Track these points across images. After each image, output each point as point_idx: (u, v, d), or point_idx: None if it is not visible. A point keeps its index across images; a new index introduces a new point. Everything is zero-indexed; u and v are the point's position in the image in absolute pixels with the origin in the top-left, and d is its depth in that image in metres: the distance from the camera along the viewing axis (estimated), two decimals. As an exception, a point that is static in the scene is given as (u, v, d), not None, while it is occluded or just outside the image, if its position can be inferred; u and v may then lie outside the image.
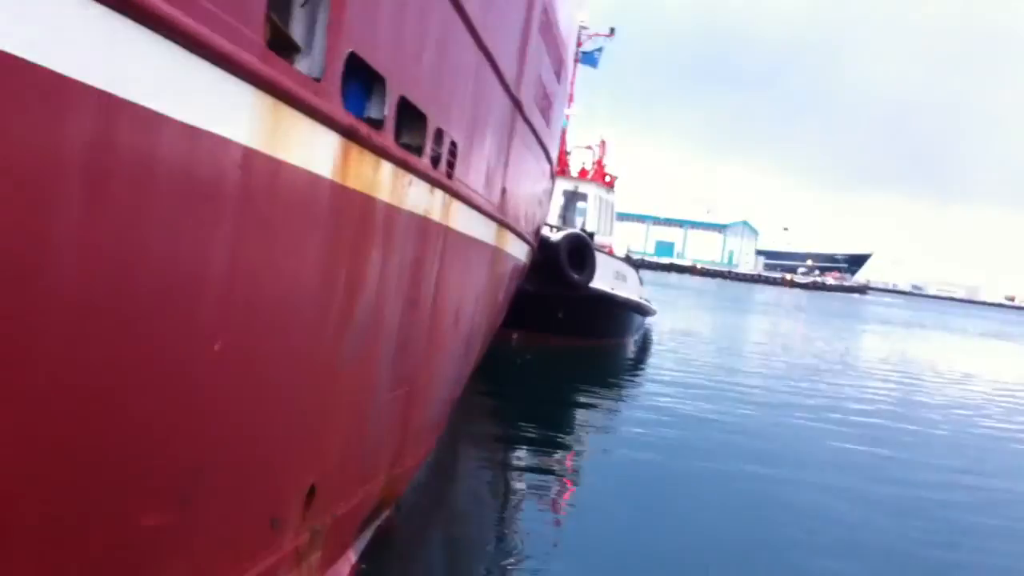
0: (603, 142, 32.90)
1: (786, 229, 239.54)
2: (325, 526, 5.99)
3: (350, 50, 4.67)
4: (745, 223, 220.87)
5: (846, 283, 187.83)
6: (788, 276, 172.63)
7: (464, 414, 12.61)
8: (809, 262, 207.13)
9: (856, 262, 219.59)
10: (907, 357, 40.40)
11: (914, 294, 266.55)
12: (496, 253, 10.31)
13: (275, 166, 4.03)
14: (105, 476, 3.43)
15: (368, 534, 7.59)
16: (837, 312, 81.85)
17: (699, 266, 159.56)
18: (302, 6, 4.46)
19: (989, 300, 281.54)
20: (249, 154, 3.78)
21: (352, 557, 7.13)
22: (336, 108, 4.59)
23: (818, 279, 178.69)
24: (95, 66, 2.87)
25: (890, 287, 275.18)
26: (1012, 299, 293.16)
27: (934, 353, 45.90)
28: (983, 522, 11.93)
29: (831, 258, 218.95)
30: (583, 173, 31.42)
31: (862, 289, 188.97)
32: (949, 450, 17.40)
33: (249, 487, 4.68)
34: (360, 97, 5.25)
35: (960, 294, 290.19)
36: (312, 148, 4.38)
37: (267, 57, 3.79)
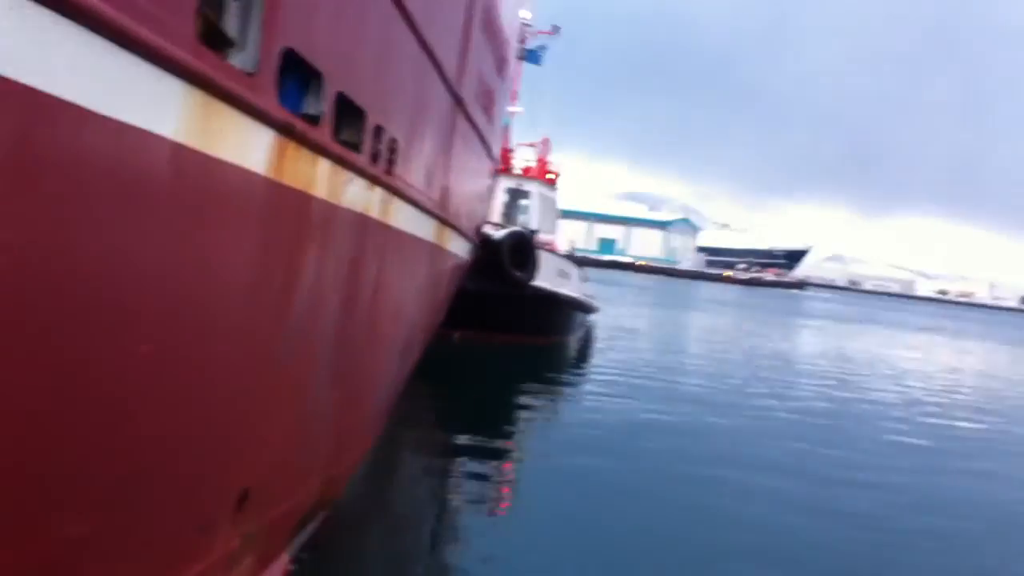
0: (546, 140, 32.99)
1: (726, 226, 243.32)
2: (258, 530, 5.88)
3: (286, 45, 4.58)
4: (686, 220, 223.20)
5: (785, 279, 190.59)
6: (728, 272, 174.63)
7: (404, 413, 12.50)
8: (749, 258, 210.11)
9: (794, 258, 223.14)
10: (846, 352, 41.02)
11: (851, 289, 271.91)
12: (436, 251, 10.25)
13: (207, 162, 3.93)
14: (25, 484, 3.31)
15: (304, 536, 7.49)
16: (777, 308, 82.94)
17: (641, 263, 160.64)
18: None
19: (923, 295, 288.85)
20: (179, 150, 3.68)
21: (287, 560, 7.03)
22: (271, 104, 4.50)
23: (757, 275, 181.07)
24: (13, 58, 2.76)
25: (828, 282, 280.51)
26: (945, 293, 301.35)
27: (872, 348, 46.67)
28: (927, 523, 11.98)
29: (770, 254, 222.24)
30: (526, 171, 31.45)
31: (800, 284, 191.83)
32: (891, 448, 17.51)
33: (179, 492, 4.57)
34: (297, 93, 5.16)
35: (896, 289, 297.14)
36: (246, 144, 4.28)
37: (198, 51, 3.69)
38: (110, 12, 3.06)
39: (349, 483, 8.77)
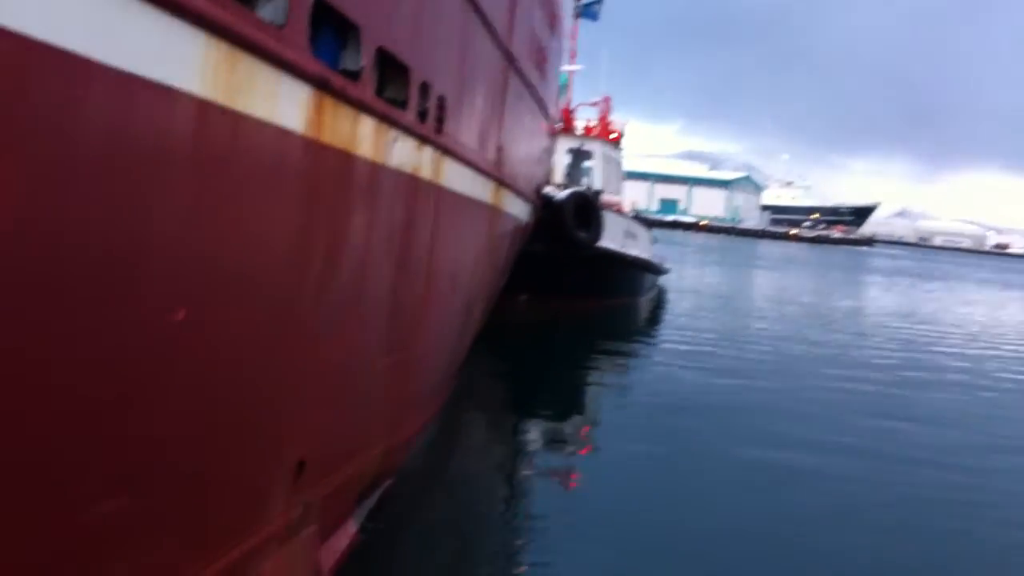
0: (607, 98, 32.29)
1: (790, 183, 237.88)
2: (319, 498, 5.76)
3: None
4: (748, 178, 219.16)
5: (852, 236, 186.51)
6: (794, 230, 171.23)
7: (469, 380, 12.30)
8: (815, 216, 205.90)
9: (861, 214, 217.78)
10: (930, 312, 39.42)
11: (920, 245, 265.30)
12: (494, 212, 10.01)
13: (236, 120, 3.72)
14: (58, 459, 3.16)
15: (369, 504, 7.38)
16: (846, 265, 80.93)
17: (704, 223, 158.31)
18: None
19: (994, 250, 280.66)
20: (204, 106, 3.46)
21: (352, 528, 6.92)
22: (304, 57, 4.25)
23: (823, 232, 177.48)
24: (12, 9, 2.55)
25: (896, 239, 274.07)
26: (1006, 247, 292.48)
27: (955, 307, 44.84)
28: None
29: (836, 211, 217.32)
30: (588, 130, 30.86)
31: (868, 242, 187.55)
32: (996, 424, 15.49)
33: (227, 464, 4.42)
34: (333, 47, 4.92)
35: (967, 244, 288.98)
36: (278, 100, 4.05)
37: (220, 0, 3.46)
38: None
39: (413, 451, 8.63)
